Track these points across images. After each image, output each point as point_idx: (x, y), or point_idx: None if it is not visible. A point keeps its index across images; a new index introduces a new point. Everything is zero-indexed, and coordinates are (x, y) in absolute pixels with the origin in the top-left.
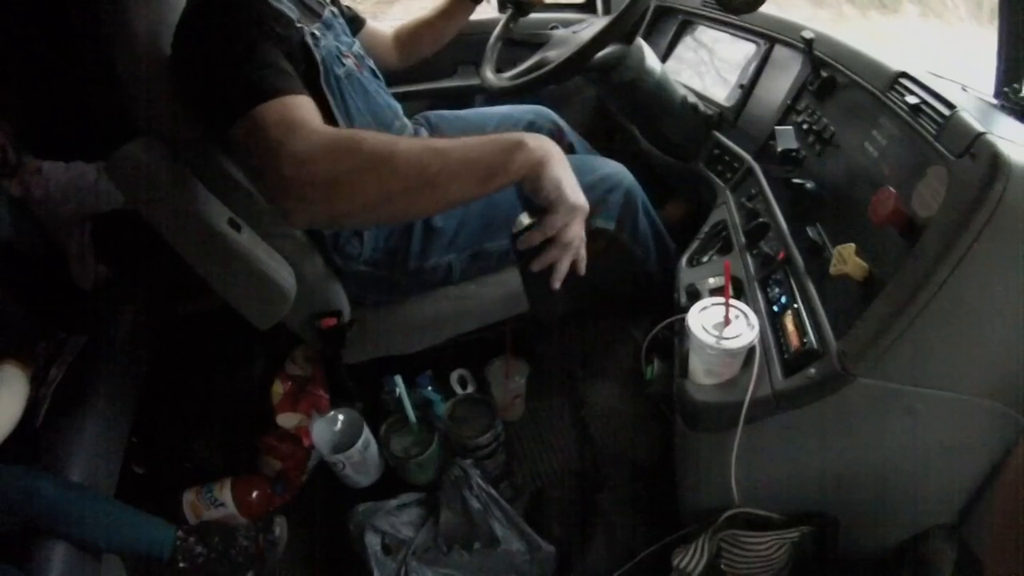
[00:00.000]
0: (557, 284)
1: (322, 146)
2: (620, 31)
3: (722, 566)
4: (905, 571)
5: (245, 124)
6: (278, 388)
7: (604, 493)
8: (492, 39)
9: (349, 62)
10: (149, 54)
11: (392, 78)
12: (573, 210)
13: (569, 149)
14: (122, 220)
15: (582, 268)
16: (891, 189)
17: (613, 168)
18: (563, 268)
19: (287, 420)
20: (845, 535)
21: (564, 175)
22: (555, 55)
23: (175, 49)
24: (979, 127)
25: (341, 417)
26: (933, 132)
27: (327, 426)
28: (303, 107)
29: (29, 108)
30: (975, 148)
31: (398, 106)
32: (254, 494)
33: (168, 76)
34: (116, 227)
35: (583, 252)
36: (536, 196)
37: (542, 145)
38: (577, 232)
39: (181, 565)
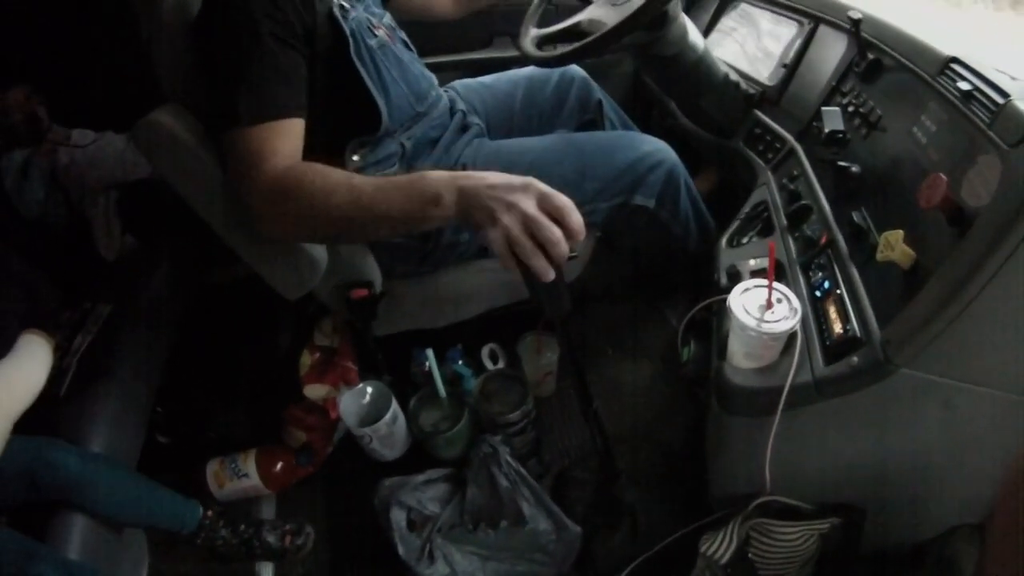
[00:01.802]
0: (549, 276)
1: (274, 187)
2: (656, 12)
3: (750, 555)
4: (927, 568)
5: (230, 136)
6: (306, 359)
7: (630, 476)
8: (534, 3)
9: (381, 33)
10: (174, 21)
11: (426, 49)
12: (511, 208)
13: (597, 106)
14: (148, 189)
15: (564, 249)
16: (942, 175)
17: (655, 146)
18: (539, 264)
19: (314, 391)
20: (873, 529)
21: (491, 199)
22: (590, 27)
23: (196, 26)
24: None
25: (369, 390)
26: (986, 120)
27: (355, 399)
28: (282, 135)
29: (58, 77)
30: None
31: (432, 76)
32: (278, 465)
33: (192, 44)
34: (142, 196)
35: (555, 233)
36: (478, 233)
37: (462, 188)
38: (516, 219)
39: (198, 542)
